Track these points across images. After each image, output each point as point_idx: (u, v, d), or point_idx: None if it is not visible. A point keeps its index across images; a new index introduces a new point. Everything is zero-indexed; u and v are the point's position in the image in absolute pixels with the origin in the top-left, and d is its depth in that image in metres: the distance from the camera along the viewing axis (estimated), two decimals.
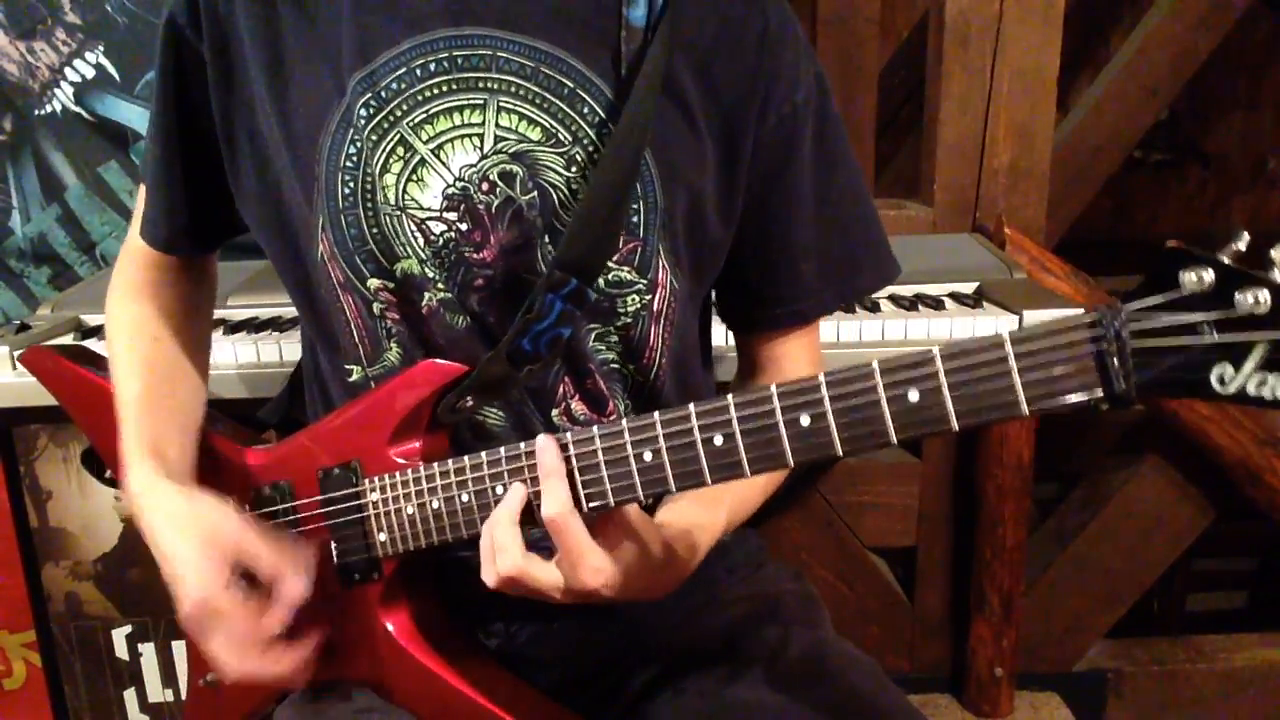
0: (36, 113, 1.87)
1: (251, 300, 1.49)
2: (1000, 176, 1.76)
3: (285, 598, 0.78)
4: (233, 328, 1.40)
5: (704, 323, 0.97)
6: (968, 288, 1.51)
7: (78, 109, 1.87)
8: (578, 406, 0.87)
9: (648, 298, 0.83)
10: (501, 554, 0.71)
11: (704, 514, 0.81)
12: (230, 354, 1.31)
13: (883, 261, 0.93)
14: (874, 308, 1.43)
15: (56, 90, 1.86)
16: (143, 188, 0.95)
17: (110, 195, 1.92)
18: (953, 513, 1.86)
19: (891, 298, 1.46)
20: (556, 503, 0.69)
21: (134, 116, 1.88)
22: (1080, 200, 2.04)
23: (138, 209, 0.96)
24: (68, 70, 1.85)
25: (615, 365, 0.87)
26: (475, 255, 0.81)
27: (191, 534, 0.79)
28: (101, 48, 1.84)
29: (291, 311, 1.43)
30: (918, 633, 1.93)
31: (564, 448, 0.71)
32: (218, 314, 1.39)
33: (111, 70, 1.85)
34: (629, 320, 0.84)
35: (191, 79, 0.85)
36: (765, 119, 0.83)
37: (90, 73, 1.85)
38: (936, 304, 1.43)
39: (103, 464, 0.99)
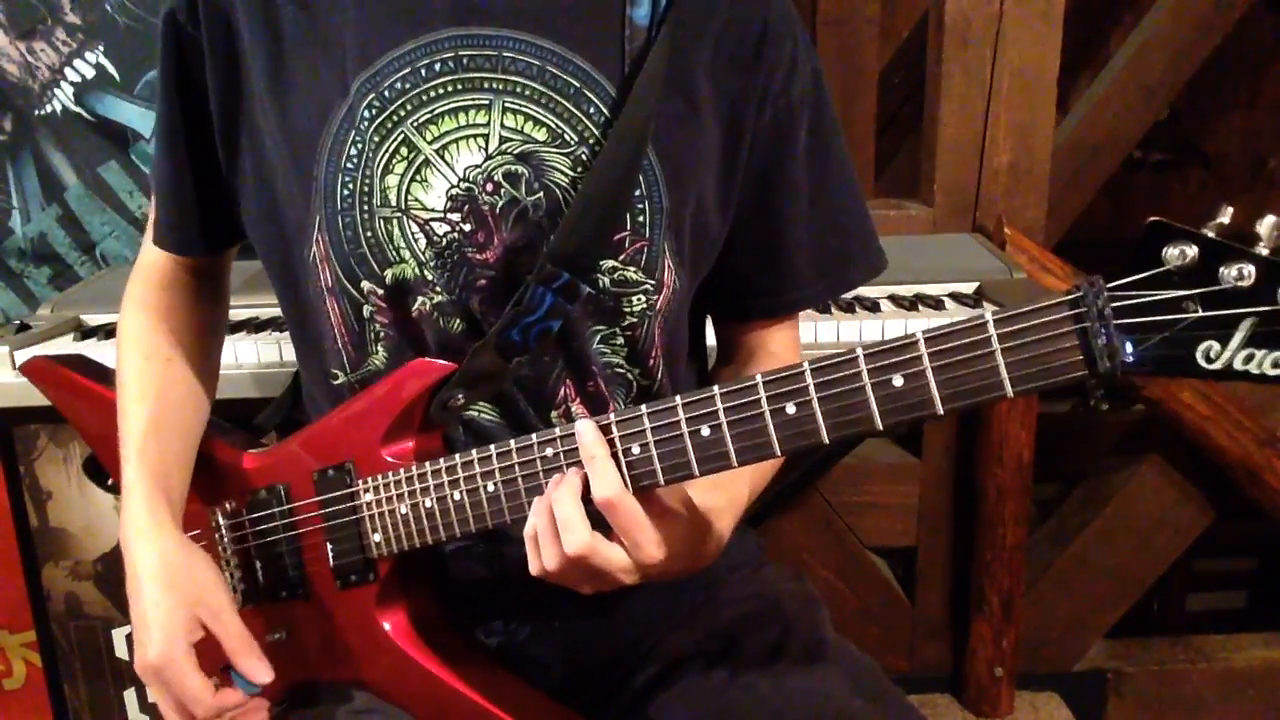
0: (36, 113, 1.87)
1: (251, 300, 1.49)
2: (1000, 176, 1.76)
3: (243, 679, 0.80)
4: (233, 328, 1.40)
5: (695, 319, 0.96)
6: (968, 288, 1.51)
7: (78, 109, 1.87)
8: (578, 409, 0.86)
9: (655, 298, 0.83)
10: (569, 531, 0.67)
11: (731, 483, 0.80)
12: (230, 354, 1.30)
13: (873, 255, 0.94)
14: (874, 307, 1.43)
15: (56, 90, 1.86)
16: (152, 201, 0.94)
17: (110, 195, 1.92)
18: (953, 513, 1.85)
19: (891, 298, 1.46)
20: (609, 484, 0.67)
21: (134, 116, 1.88)
22: (1080, 200, 2.03)
23: (149, 222, 0.95)
24: (68, 70, 1.85)
25: (620, 369, 0.86)
26: (478, 256, 0.80)
27: (175, 588, 0.79)
28: (101, 48, 1.84)
29: None
30: (918, 633, 1.93)
31: (553, 442, 0.71)
32: None
33: (111, 70, 1.85)
34: (634, 320, 0.84)
35: (194, 75, 0.84)
36: (763, 112, 0.83)
37: (90, 73, 1.85)
38: (936, 304, 1.43)
39: (105, 472, 0.99)
